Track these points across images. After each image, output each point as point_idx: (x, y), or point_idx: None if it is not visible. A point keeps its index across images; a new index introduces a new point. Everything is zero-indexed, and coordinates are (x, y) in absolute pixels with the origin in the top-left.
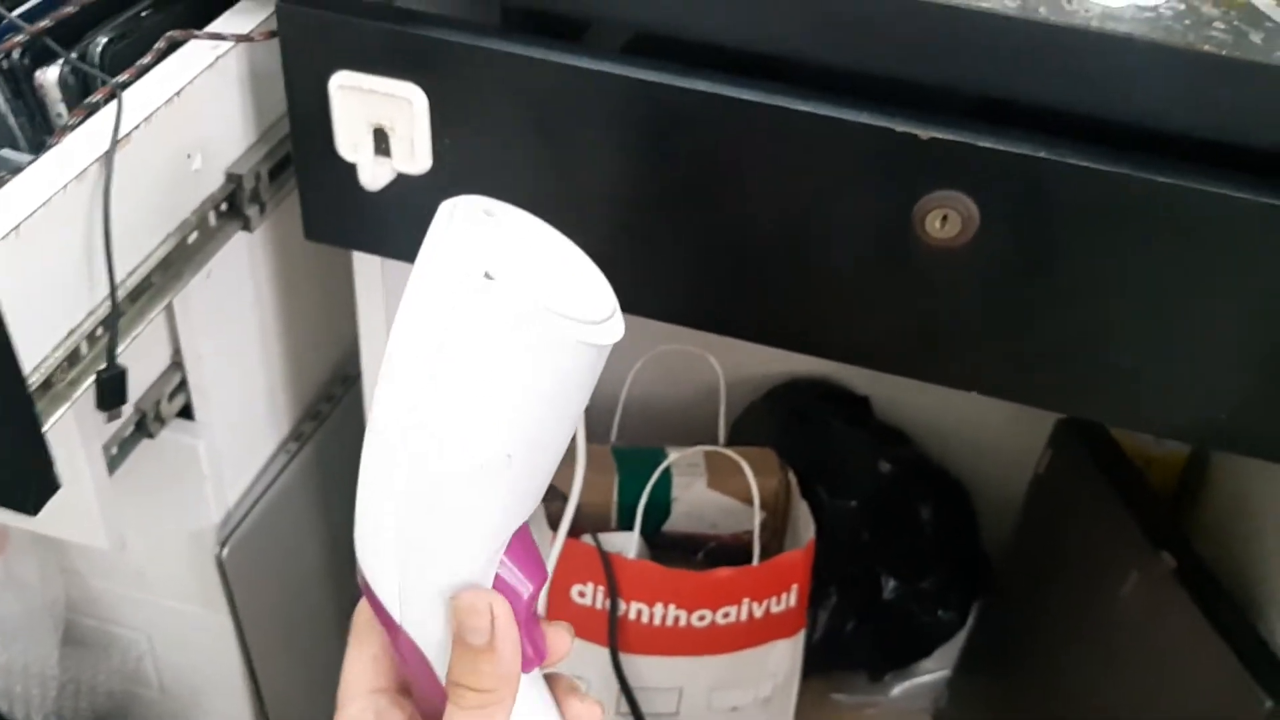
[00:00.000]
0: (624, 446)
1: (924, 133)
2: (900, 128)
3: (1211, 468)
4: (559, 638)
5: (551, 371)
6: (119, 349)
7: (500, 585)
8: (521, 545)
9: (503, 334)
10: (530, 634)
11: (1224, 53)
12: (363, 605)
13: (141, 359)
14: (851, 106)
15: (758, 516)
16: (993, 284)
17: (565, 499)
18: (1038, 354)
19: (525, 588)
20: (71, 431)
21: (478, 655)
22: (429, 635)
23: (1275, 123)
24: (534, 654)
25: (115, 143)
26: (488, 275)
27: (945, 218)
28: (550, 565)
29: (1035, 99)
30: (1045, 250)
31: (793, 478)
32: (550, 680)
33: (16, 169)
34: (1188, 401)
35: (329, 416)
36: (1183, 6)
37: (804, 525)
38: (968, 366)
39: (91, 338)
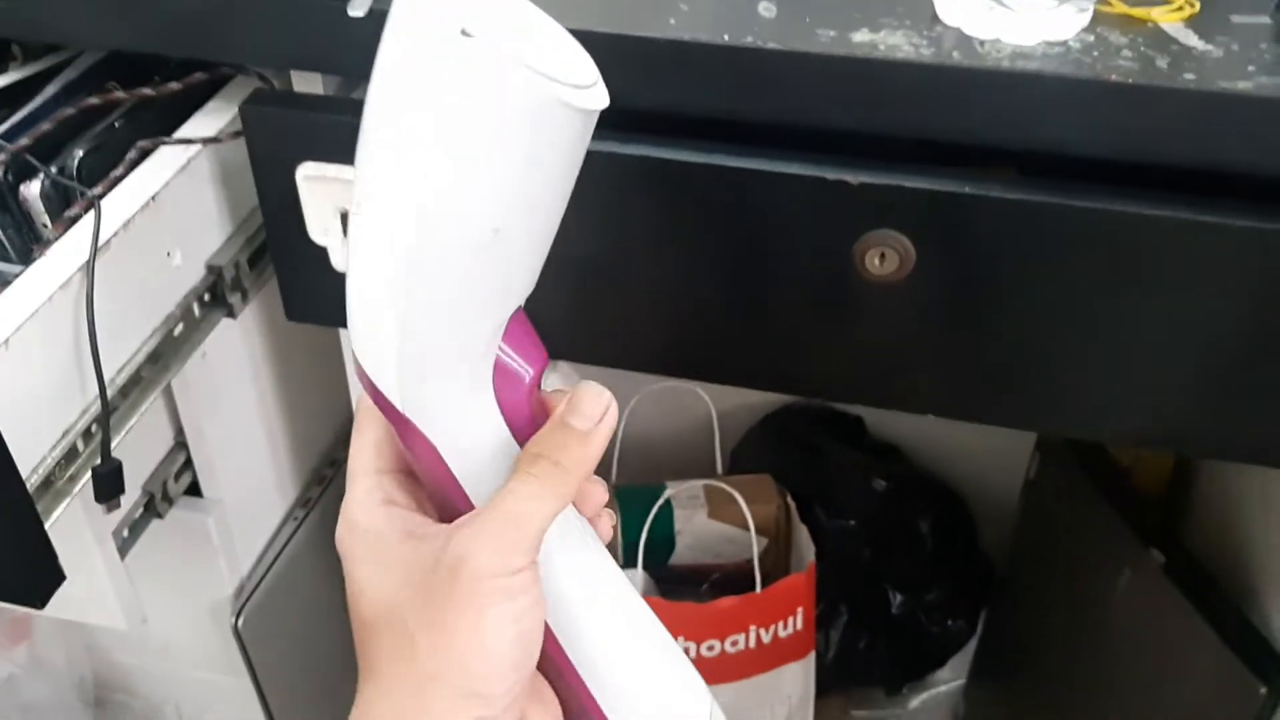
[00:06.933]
0: (624, 485)
1: (854, 178)
2: (831, 176)
3: (1198, 463)
4: (595, 488)
5: (535, 135)
6: (114, 442)
7: (501, 369)
8: (520, 330)
9: (481, 94)
10: (534, 417)
11: (1131, 80)
12: (364, 394)
13: (145, 443)
14: (783, 159)
15: (756, 544)
16: (934, 314)
17: None
18: (986, 376)
19: (526, 372)
20: (81, 521)
21: (571, 435)
22: (432, 420)
23: (1185, 141)
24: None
25: (95, 251)
26: (465, 33)
27: (883, 255)
28: None
29: (959, 139)
30: (980, 279)
31: (791, 502)
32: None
33: (4, 282)
34: (1138, 410)
35: (334, 480)
36: (1091, 38)
37: (805, 548)
38: (922, 393)
39: (87, 434)
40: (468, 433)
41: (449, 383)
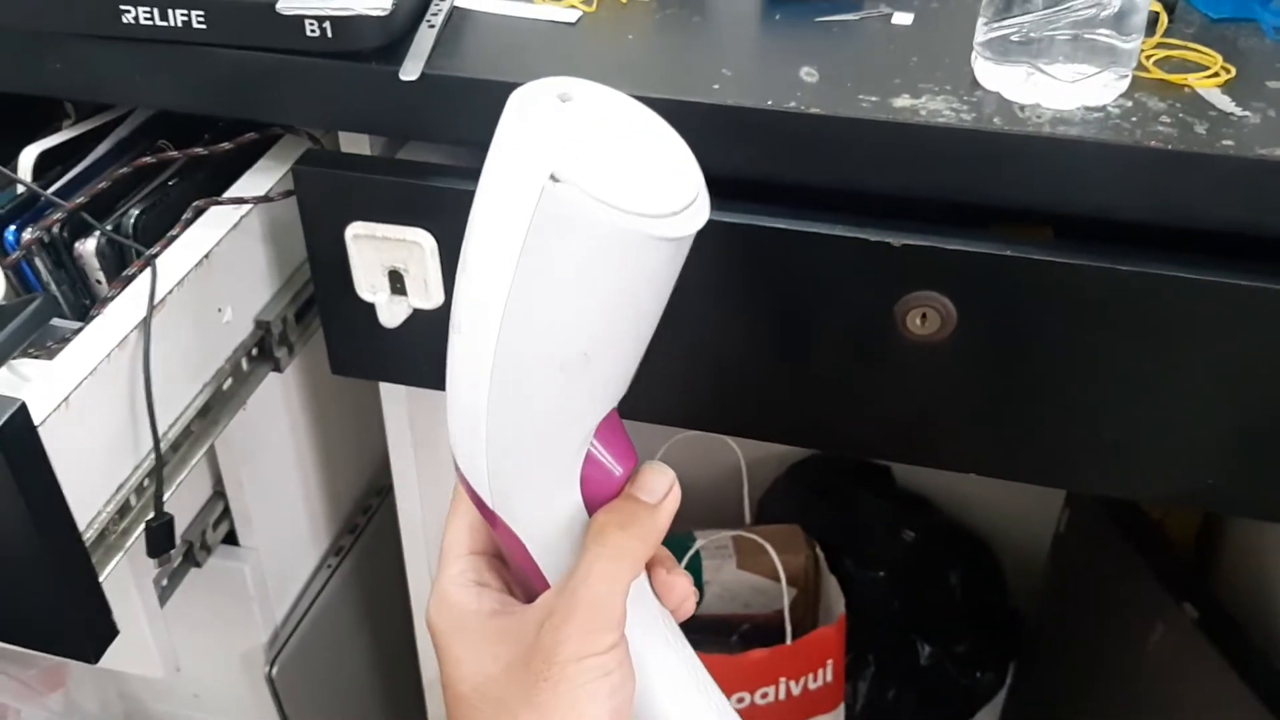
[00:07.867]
0: None
1: (896, 240)
2: (874, 237)
3: (1229, 516)
4: (679, 580)
5: (622, 269)
6: (165, 496)
7: (592, 463)
8: (611, 431)
9: (569, 237)
10: None
11: (1169, 147)
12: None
13: (185, 493)
14: (826, 221)
15: (787, 595)
16: (974, 374)
17: None
18: (1023, 435)
19: (615, 469)
20: (124, 571)
21: (640, 507)
22: (518, 516)
23: (1224, 206)
24: None
25: (152, 309)
26: (554, 178)
27: (924, 315)
28: None
29: (1000, 202)
30: (1020, 339)
31: (820, 553)
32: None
33: (63, 337)
34: (1173, 469)
35: (365, 529)
36: (1130, 103)
37: (835, 599)
38: (960, 451)
39: (139, 489)
40: (554, 528)
41: (536, 485)
